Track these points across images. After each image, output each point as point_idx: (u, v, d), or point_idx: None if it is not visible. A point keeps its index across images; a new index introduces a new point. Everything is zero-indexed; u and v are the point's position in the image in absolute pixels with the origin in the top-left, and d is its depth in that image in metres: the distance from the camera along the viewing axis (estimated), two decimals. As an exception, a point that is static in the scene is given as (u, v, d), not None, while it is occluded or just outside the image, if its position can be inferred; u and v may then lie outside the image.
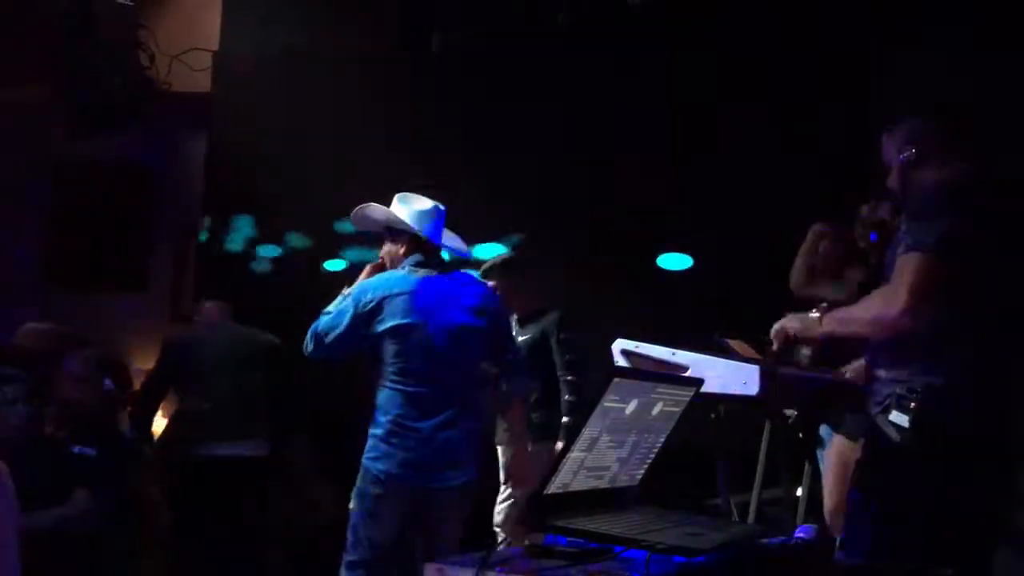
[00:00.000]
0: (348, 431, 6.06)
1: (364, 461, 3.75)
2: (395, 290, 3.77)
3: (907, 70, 5.72)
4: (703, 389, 2.67)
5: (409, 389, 3.73)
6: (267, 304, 6.70)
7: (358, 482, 3.76)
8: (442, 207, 3.95)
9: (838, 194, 5.06)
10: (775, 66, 6.14)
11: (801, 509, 3.84)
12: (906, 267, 2.78)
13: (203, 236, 7.15)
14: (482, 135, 6.52)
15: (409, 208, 3.91)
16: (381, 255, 3.98)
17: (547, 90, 6.48)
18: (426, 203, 3.93)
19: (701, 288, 6.30)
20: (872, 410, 2.92)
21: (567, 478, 2.29)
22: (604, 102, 6.45)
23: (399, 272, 3.85)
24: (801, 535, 2.40)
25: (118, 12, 5.99)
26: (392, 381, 3.74)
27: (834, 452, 4.33)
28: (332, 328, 3.75)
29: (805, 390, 3.31)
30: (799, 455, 4.18)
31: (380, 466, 3.70)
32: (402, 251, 3.90)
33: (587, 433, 2.26)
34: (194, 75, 6.97)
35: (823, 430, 4.44)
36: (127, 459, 4.69)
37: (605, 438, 2.33)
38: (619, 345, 3.35)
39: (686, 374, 3.09)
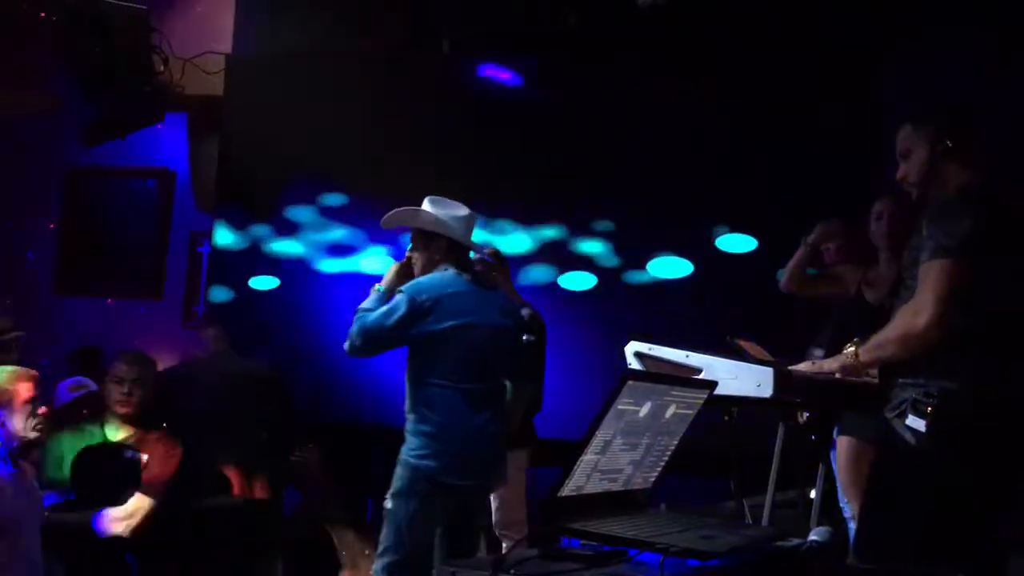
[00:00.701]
0: (354, 435, 6.13)
1: (409, 459, 3.75)
2: (449, 290, 3.83)
3: (907, 70, 5.71)
4: (716, 391, 2.67)
5: (462, 387, 3.77)
6: (280, 306, 6.72)
7: (400, 481, 3.76)
8: (475, 214, 4.00)
9: (840, 193, 5.06)
10: (775, 66, 6.13)
11: (815, 511, 3.82)
12: (930, 275, 2.77)
13: (215, 239, 7.15)
14: (494, 137, 6.52)
15: (446, 212, 3.94)
16: (410, 256, 3.99)
17: (554, 90, 6.47)
18: (462, 209, 3.97)
19: (708, 289, 6.29)
20: (887, 414, 2.91)
21: (581, 481, 2.29)
22: (608, 103, 6.45)
23: (447, 273, 3.88)
24: (815, 538, 2.39)
25: (131, 16, 6.01)
26: (443, 379, 3.78)
27: (846, 456, 4.32)
28: (382, 325, 3.76)
29: (818, 392, 3.30)
30: (813, 457, 4.16)
31: (430, 463, 3.71)
32: (438, 255, 3.92)
33: (601, 436, 2.26)
34: (207, 78, 6.99)
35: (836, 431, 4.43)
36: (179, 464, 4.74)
37: (619, 441, 2.33)
38: (632, 347, 3.34)
39: (699, 376, 3.08)
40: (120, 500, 4.44)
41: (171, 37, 6.73)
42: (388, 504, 3.77)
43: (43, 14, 6.19)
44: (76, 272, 8.13)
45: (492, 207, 6.37)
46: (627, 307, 6.28)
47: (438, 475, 3.70)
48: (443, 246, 3.92)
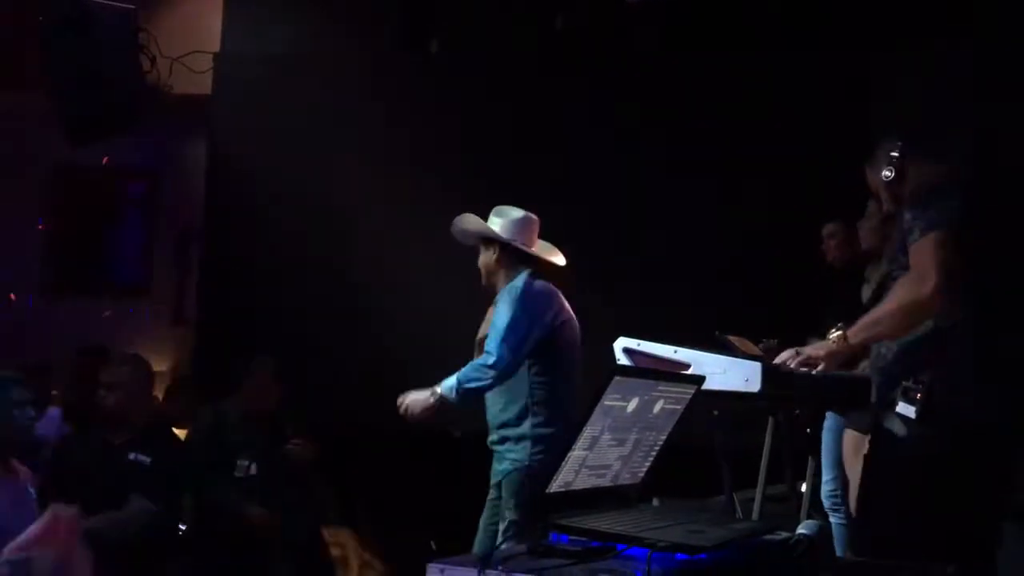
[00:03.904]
0: (355, 436, 6.13)
1: (532, 464, 3.76)
2: (550, 293, 3.94)
3: (907, 73, 5.72)
4: (705, 386, 2.67)
5: (571, 384, 3.89)
6: (272, 305, 6.72)
7: (520, 485, 3.76)
8: (534, 217, 4.05)
9: (839, 195, 5.06)
10: (775, 67, 6.12)
11: (805, 505, 3.84)
12: (925, 249, 2.81)
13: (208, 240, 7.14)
14: (481, 137, 6.52)
15: (502, 219, 4.02)
16: (490, 264, 4.05)
17: (546, 90, 6.47)
18: (517, 213, 4.03)
19: (702, 286, 6.28)
20: (878, 403, 2.93)
21: (569, 477, 2.29)
22: (604, 102, 6.44)
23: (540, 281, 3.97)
24: (804, 531, 2.40)
25: (118, 16, 5.98)
26: (564, 378, 3.87)
27: (852, 450, 4.34)
28: (519, 339, 3.78)
29: (809, 386, 3.31)
30: (802, 451, 4.18)
31: (547, 465, 3.71)
32: (495, 259, 3.99)
33: (588, 431, 2.26)
34: (195, 77, 6.97)
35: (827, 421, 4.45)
36: (181, 467, 4.71)
37: (607, 436, 2.33)
38: (621, 343, 3.35)
39: (688, 371, 3.08)
40: (117, 504, 4.41)
41: (158, 36, 6.69)
42: (515, 517, 3.74)
43: (31, 15, 6.16)
44: (64, 273, 8.12)
45: (480, 209, 6.36)
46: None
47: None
48: (499, 251, 4.00)
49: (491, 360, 3.74)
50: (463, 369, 3.78)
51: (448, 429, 5.95)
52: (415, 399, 3.83)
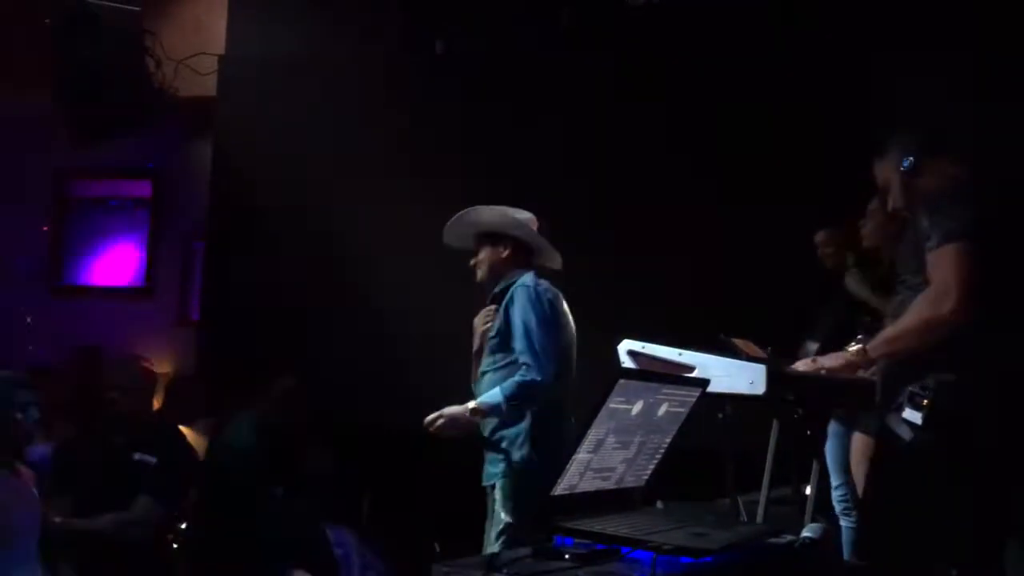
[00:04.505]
0: (357, 435, 6.13)
1: (527, 470, 3.74)
2: (555, 293, 3.91)
3: (907, 72, 5.71)
4: (709, 389, 2.68)
5: (560, 392, 3.85)
6: (274, 307, 6.72)
7: (516, 488, 3.74)
8: (536, 219, 4.03)
9: (838, 196, 5.06)
10: (774, 66, 6.12)
11: (809, 508, 3.83)
12: (944, 261, 2.77)
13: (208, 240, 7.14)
14: (486, 138, 6.51)
15: (510, 216, 3.97)
16: (476, 262, 3.99)
17: (549, 91, 6.46)
18: (525, 213, 4.00)
19: (704, 288, 6.28)
20: (883, 407, 2.92)
21: (574, 479, 2.29)
22: (604, 102, 6.43)
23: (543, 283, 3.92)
24: (808, 534, 2.40)
25: (123, 18, 6.00)
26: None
27: (861, 453, 4.33)
28: (550, 342, 3.77)
29: (813, 388, 3.31)
30: (807, 453, 4.17)
31: (541, 469, 3.68)
32: (504, 255, 3.93)
33: (593, 434, 2.26)
34: (200, 79, 6.98)
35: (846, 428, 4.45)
36: (186, 468, 4.73)
37: (611, 439, 2.33)
38: (625, 345, 3.35)
39: (692, 374, 3.09)
40: (123, 504, 4.42)
41: (164, 39, 6.72)
42: (509, 519, 3.70)
43: (38, 17, 6.17)
44: (68, 274, 8.14)
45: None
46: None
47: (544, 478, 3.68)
48: (510, 247, 3.95)
49: (535, 376, 3.70)
50: (507, 385, 3.72)
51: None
52: (453, 415, 3.79)
